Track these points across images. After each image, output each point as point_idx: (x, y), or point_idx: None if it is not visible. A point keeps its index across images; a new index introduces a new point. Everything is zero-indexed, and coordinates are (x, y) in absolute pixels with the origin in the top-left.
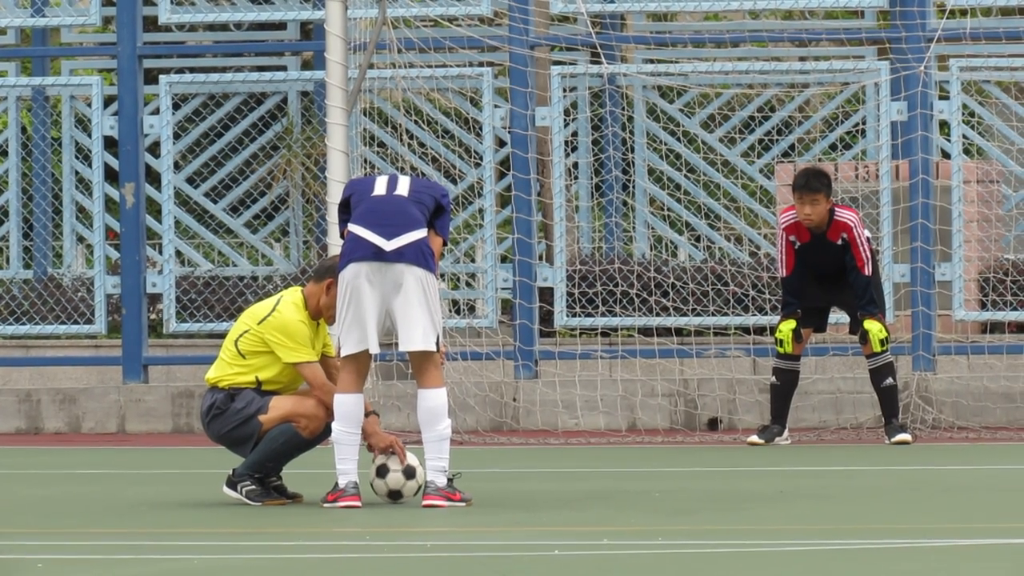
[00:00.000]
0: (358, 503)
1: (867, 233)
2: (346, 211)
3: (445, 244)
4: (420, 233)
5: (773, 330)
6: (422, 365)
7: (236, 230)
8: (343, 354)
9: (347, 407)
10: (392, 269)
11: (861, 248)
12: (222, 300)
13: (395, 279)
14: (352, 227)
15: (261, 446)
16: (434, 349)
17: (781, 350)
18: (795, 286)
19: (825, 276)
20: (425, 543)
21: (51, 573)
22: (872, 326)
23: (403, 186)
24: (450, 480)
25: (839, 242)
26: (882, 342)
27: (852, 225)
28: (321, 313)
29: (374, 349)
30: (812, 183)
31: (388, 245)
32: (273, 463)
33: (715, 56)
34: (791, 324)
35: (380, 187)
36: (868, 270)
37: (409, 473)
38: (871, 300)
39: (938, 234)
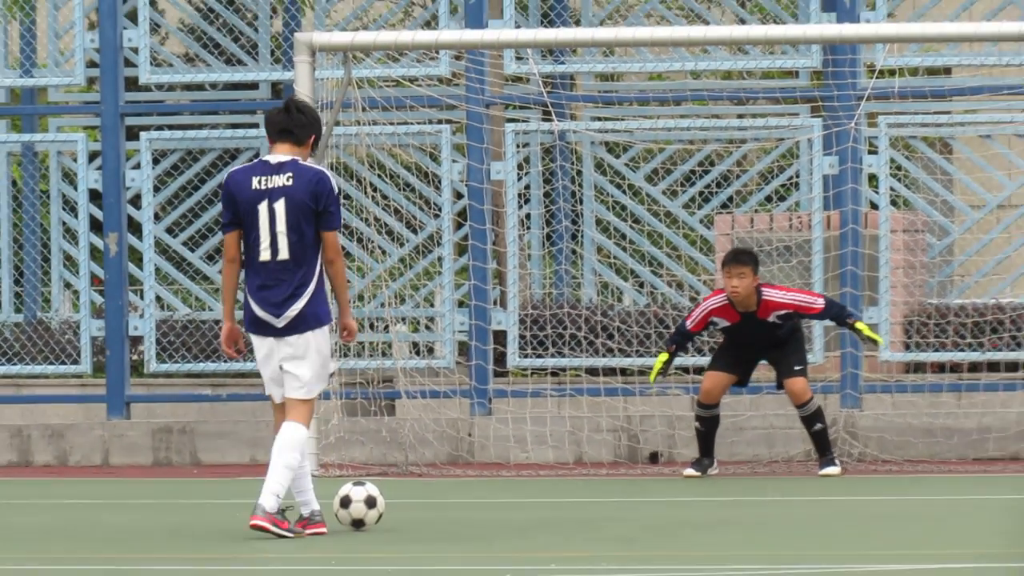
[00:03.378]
0: (324, 530)
1: (793, 296)
2: (230, 207)
3: (338, 229)
4: (307, 297)
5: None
6: (294, 404)
7: (212, 277)
8: (272, 399)
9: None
10: (286, 340)
11: (803, 304)
12: (199, 342)
13: (289, 347)
14: (248, 296)
15: None
16: (312, 398)
17: (701, 400)
18: (719, 356)
19: (756, 346)
20: (387, 568)
21: None
22: (862, 325)
23: (286, 237)
24: (282, 510)
25: (771, 319)
26: (874, 328)
27: (785, 304)
28: None
29: (278, 394)
30: (740, 257)
31: (279, 323)
32: None
33: (659, 114)
34: (663, 357)
35: (265, 243)
36: (820, 303)
37: (370, 503)
38: (842, 309)
39: (866, 280)
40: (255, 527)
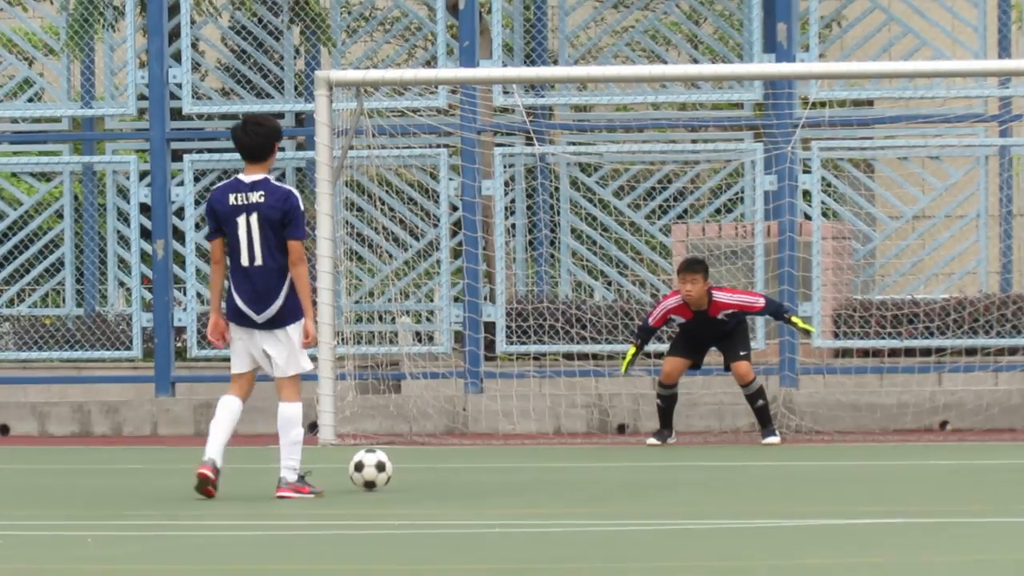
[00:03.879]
0: (206, 471)
1: (739, 297)
2: (212, 219)
3: (303, 240)
4: (282, 297)
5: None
6: (283, 384)
7: None
8: (233, 371)
9: (222, 406)
10: (269, 332)
11: (744, 303)
12: None
13: (271, 337)
14: (232, 291)
15: None
16: (294, 374)
17: (661, 381)
18: (676, 344)
19: (708, 337)
20: (395, 522)
21: (98, 546)
22: (797, 319)
23: (260, 247)
24: (301, 477)
25: (720, 317)
26: (807, 320)
27: (731, 305)
28: None
29: (265, 371)
30: (692, 266)
31: (259, 319)
32: None
33: (624, 139)
34: (632, 351)
35: (245, 251)
36: (761, 303)
37: (380, 467)
38: (779, 306)
39: (800, 279)
40: (281, 498)
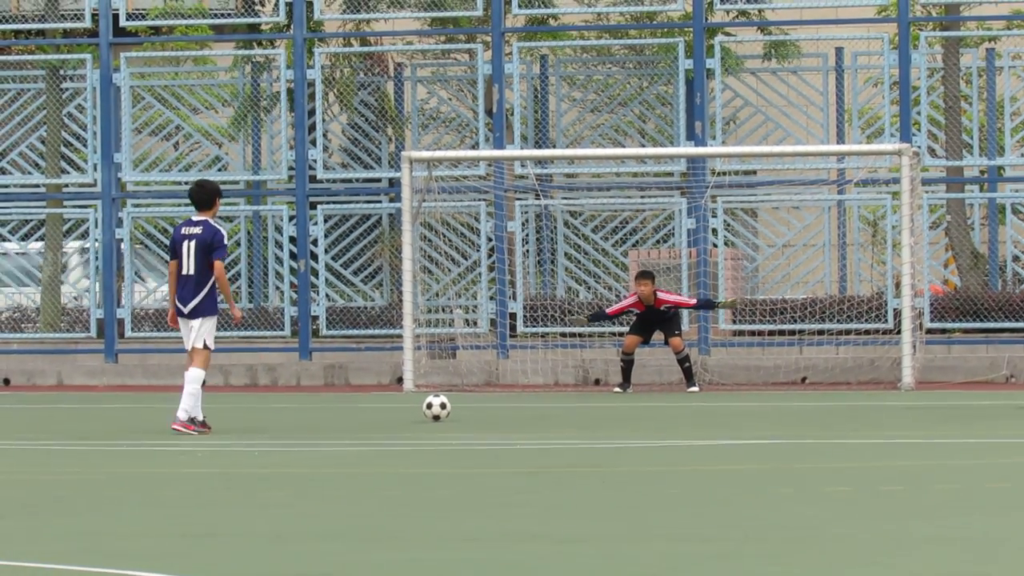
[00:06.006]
0: (197, 431)
1: (675, 296)
2: (172, 246)
3: (222, 259)
4: (202, 294)
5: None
6: (193, 354)
7: (356, 283)
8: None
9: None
10: (189, 319)
11: (680, 301)
12: (349, 318)
13: (193, 322)
14: (176, 292)
15: None
16: (202, 347)
17: (623, 351)
18: (633, 327)
19: (654, 322)
20: (452, 441)
21: (263, 456)
22: (722, 302)
23: (193, 263)
24: (192, 419)
25: (663, 308)
26: (728, 306)
27: (669, 300)
28: None
29: (188, 347)
30: (645, 274)
31: (185, 309)
32: None
33: (598, 195)
34: (584, 321)
35: (185, 265)
36: (694, 301)
37: (443, 406)
38: (708, 301)
39: (711, 285)
40: (174, 430)
